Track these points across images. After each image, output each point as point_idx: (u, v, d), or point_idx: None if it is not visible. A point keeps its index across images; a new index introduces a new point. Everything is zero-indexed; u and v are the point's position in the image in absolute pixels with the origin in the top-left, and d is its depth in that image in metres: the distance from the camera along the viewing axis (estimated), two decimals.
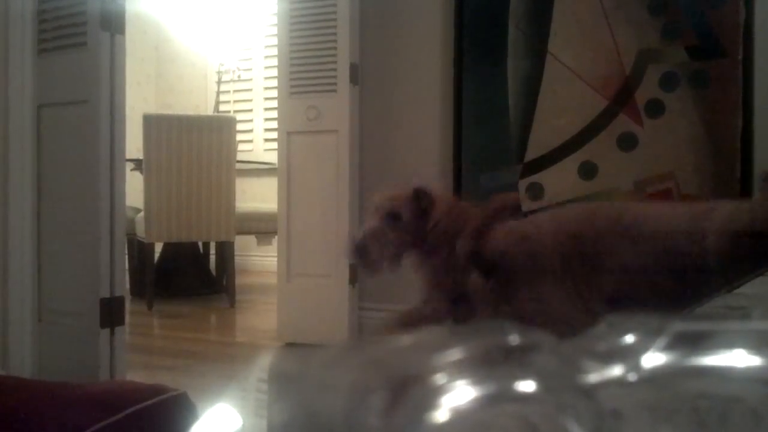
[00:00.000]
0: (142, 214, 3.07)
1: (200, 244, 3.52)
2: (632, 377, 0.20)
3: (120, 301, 1.71)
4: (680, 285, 1.04)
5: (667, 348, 0.20)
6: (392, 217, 1.36)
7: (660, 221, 1.10)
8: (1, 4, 1.76)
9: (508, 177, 2.07)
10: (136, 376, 1.76)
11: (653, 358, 0.20)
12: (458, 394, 0.18)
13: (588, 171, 1.97)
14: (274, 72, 2.75)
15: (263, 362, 0.22)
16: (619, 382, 0.20)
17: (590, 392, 0.19)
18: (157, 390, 0.81)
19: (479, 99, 2.12)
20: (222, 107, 4.39)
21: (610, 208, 1.26)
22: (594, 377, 0.20)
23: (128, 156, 1.96)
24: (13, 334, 1.77)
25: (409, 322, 1.38)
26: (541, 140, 2.03)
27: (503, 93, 2.07)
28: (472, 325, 0.22)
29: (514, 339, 0.20)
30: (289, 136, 2.34)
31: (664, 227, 1.08)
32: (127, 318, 1.82)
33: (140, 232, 3.11)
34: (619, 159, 1.93)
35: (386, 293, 2.15)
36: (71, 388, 0.82)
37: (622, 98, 1.92)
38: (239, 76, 4.51)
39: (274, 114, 2.73)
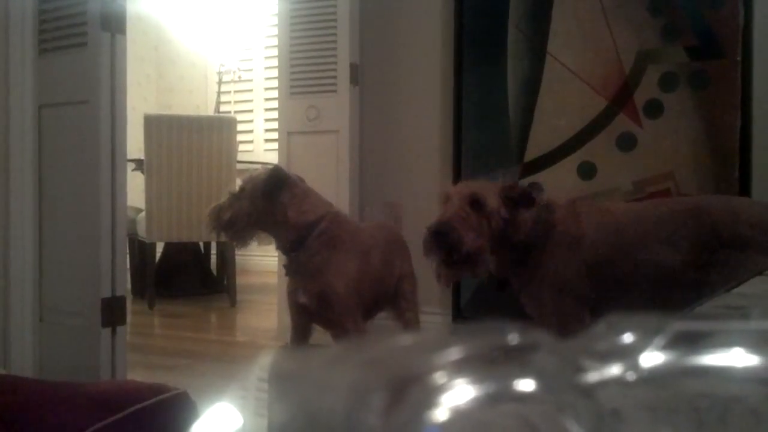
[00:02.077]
0: (143, 214, 3.07)
1: (201, 243, 3.52)
2: (631, 377, 0.20)
3: (121, 300, 1.71)
4: None
5: (667, 347, 0.20)
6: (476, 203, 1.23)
7: None
8: (1, 4, 1.76)
9: (507, 177, 2.07)
10: (136, 375, 1.76)
11: (652, 358, 0.20)
12: (458, 394, 0.18)
13: (587, 171, 1.97)
14: (275, 72, 2.75)
15: (263, 362, 0.22)
16: (618, 382, 0.20)
17: (589, 392, 0.19)
18: (157, 389, 0.81)
19: (479, 99, 2.12)
20: (222, 107, 4.39)
21: None
22: (593, 377, 0.20)
23: (129, 156, 1.96)
24: (14, 333, 1.77)
25: None
26: (540, 140, 2.03)
27: (503, 93, 2.07)
28: (472, 324, 0.22)
29: (513, 338, 0.21)
30: (289, 136, 2.34)
31: None
32: (128, 317, 1.82)
33: (141, 231, 3.11)
34: (618, 159, 1.93)
35: None
36: (72, 387, 0.83)
37: (621, 98, 1.92)
38: (240, 77, 4.52)
39: (275, 114, 2.73)
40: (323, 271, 1.39)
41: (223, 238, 1.61)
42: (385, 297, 1.56)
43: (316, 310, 1.41)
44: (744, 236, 1.17)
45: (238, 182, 3.18)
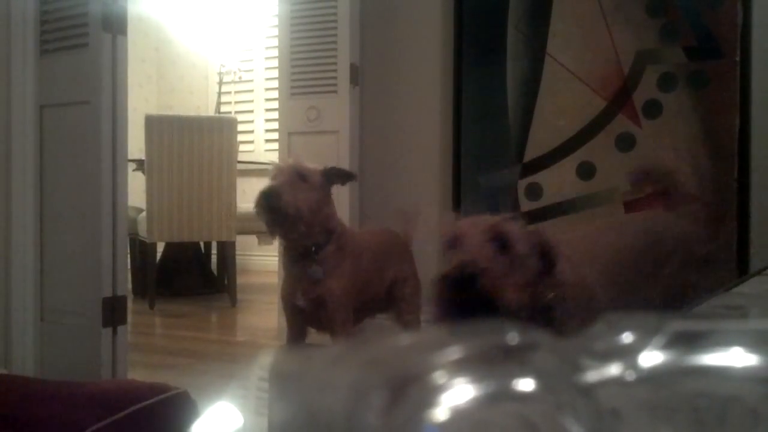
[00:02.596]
0: (144, 214, 3.08)
1: (201, 243, 3.52)
2: (631, 376, 0.20)
3: (122, 300, 1.71)
4: None
5: (666, 347, 0.20)
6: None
7: None
8: (3, 5, 1.76)
9: (507, 177, 2.07)
10: (137, 374, 1.76)
11: (652, 357, 0.20)
12: (458, 393, 0.18)
13: (586, 171, 1.97)
14: (275, 73, 2.75)
15: (264, 361, 0.22)
16: (617, 381, 0.20)
17: (589, 391, 0.19)
18: (158, 389, 0.81)
19: (479, 99, 2.12)
20: (223, 108, 4.39)
21: None
22: (592, 376, 0.20)
23: (130, 156, 1.96)
24: (15, 333, 1.77)
25: None
26: (540, 140, 2.03)
27: (503, 93, 2.07)
28: (471, 324, 0.22)
29: (513, 338, 0.21)
30: (289, 136, 2.34)
31: None
32: (129, 317, 1.82)
33: (142, 231, 3.11)
34: (618, 159, 1.93)
35: None
36: (73, 387, 0.83)
37: (620, 99, 1.92)
38: (240, 77, 4.51)
39: (275, 115, 2.73)
40: (328, 275, 1.40)
41: (277, 235, 1.40)
42: (372, 300, 1.55)
43: (312, 313, 1.42)
44: (704, 254, 1.16)
45: (239, 182, 3.18)
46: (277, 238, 1.44)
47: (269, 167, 1.44)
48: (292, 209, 1.33)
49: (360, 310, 1.52)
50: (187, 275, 3.44)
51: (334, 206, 1.46)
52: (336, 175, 1.45)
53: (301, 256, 1.41)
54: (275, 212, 1.34)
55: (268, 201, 1.34)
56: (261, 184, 1.44)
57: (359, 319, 1.55)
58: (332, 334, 1.43)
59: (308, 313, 1.43)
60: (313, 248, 1.40)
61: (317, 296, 1.39)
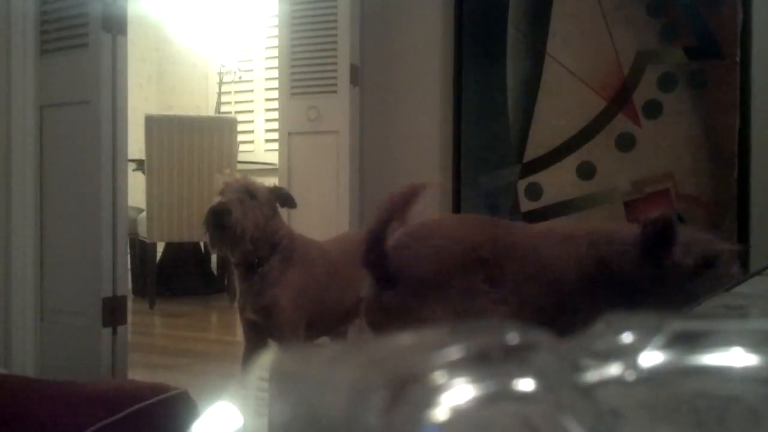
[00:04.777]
0: (144, 214, 3.08)
1: (202, 243, 3.52)
2: (630, 376, 0.20)
3: (122, 300, 1.71)
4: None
5: (666, 347, 0.20)
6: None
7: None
8: (3, 5, 1.76)
9: (507, 177, 2.07)
10: (137, 374, 1.76)
11: (651, 357, 0.20)
12: (458, 393, 0.18)
13: (586, 171, 1.97)
14: (275, 73, 2.75)
15: (264, 361, 0.22)
16: (617, 381, 0.20)
17: (589, 391, 0.19)
18: (158, 389, 0.81)
19: (479, 99, 2.12)
20: (223, 108, 4.39)
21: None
22: (593, 376, 0.20)
23: (130, 156, 1.96)
24: (15, 333, 1.77)
25: None
26: (540, 140, 2.03)
27: (503, 94, 2.07)
28: (471, 324, 0.22)
29: (513, 338, 0.21)
30: (289, 136, 2.35)
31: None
32: (129, 317, 1.82)
33: (142, 231, 3.11)
34: (618, 159, 1.93)
35: None
36: (73, 387, 0.83)
37: (620, 99, 1.92)
38: (240, 77, 4.51)
39: (275, 115, 2.74)
40: (272, 285, 1.41)
41: (226, 251, 1.45)
42: (338, 309, 1.53)
43: (264, 324, 1.43)
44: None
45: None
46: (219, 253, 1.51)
47: (220, 182, 1.47)
48: (240, 227, 1.37)
49: (322, 319, 1.51)
50: (187, 275, 3.44)
51: (280, 219, 1.49)
52: (282, 196, 1.49)
53: (248, 271, 1.43)
54: (223, 229, 1.38)
55: (216, 218, 1.38)
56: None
57: (326, 328, 1.55)
58: (281, 343, 1.42)
59: (261, 324, 1.44)
60: (257, 261, 1.42)
61: (262, 307, 1.41)
